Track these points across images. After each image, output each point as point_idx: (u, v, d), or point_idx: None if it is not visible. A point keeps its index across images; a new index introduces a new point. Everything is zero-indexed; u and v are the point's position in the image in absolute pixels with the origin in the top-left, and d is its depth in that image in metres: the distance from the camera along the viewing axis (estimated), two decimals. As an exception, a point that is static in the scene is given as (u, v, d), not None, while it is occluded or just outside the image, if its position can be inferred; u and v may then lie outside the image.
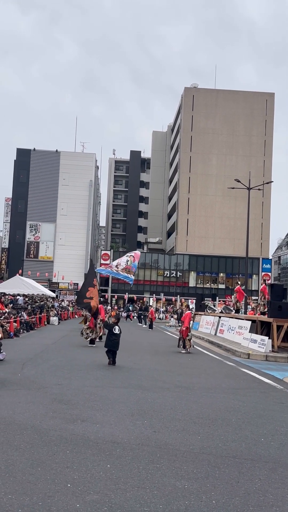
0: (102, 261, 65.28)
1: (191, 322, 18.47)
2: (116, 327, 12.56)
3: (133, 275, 23.62)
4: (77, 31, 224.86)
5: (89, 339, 17.75)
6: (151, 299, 59.74)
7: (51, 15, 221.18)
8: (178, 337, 19.69)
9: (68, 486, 4.36)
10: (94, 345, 17.32)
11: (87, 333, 17.81)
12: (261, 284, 30.44)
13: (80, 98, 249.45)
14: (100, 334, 18.75)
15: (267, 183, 42.41)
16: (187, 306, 20.59)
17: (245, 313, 27.15)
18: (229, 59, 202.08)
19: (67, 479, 4.54)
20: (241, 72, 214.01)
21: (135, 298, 62.75)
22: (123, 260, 23.91)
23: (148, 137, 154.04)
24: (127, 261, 24.11)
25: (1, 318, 19.59)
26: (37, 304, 30.99)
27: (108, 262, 58.13)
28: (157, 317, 43.36)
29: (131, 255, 23.92)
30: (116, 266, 23.54)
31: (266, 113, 66.28)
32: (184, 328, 17.69)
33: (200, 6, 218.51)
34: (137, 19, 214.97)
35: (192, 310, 22.34)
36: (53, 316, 31.73)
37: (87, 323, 18.16)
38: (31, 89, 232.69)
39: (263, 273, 63.95)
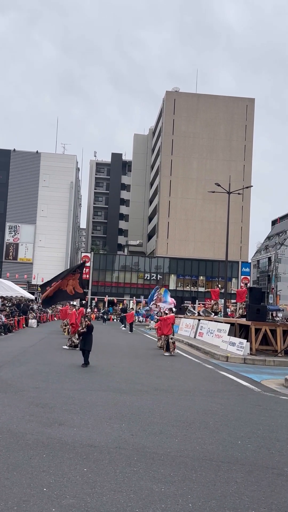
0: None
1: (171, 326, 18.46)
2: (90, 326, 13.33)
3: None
4: (56, 33, 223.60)
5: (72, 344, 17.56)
6: (131, 301, 59.65)
7: (30, 16, 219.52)
8: (158, 339, 19.72)
9: (44, 490, 4.32)
10: (74, 348, 17.19)
11: (72, 341, 17.55)
12: (241, 288, 30.69)
13: (60, 100, 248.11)
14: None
15: (247, 187, 42.75)
16: (170, 310, 20.67)
17: (225, 316, 27.29)
18: (209, 64, 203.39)
19: (43, 483, 4.50)
20: (221, 77, 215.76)
21: (115, 300, 62.55)
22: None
23: (129, 140, 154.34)
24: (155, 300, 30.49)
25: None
26: (22, 304, 30.54)
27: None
28: (136, 319, 43.24)
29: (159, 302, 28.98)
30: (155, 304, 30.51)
31: (246, 118, 66.94)
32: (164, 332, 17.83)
33: (179, 11, 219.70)
34: (116, 23, 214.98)
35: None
36: (31, 319, 31.45)
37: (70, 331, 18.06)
38: (10, 90, 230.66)
39: (242, 277, 64.50)
